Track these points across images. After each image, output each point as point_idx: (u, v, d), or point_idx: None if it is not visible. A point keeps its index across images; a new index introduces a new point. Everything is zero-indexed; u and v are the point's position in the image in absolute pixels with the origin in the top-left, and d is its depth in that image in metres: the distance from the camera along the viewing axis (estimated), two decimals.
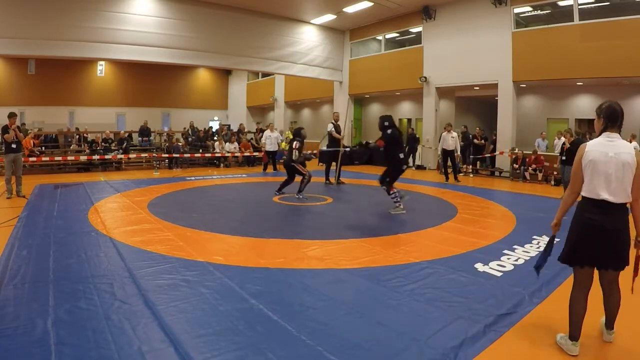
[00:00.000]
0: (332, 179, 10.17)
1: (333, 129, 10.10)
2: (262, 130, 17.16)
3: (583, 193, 2.47)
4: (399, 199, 6.64)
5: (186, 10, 13.27)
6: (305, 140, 8.16)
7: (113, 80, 21.39)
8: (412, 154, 15.37)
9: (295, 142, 7.88)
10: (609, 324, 2.65)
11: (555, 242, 2.78)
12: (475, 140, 13.56)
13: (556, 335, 2.66)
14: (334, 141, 10.15)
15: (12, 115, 7.75)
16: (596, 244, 2.40)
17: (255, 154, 15.21)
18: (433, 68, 14.49)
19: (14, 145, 7.80)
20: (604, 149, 2.42)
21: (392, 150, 6.59)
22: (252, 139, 16.70)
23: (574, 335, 2.51)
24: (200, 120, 19.91)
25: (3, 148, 8.44)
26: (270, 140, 13.11)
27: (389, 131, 6.60)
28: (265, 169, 13.33)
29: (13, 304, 3.04)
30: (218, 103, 25.74)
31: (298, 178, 7.92)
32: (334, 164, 10.27)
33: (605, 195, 2.36)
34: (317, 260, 4.20)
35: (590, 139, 11.38)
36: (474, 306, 3.11)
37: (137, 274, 3.66)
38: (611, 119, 2.49)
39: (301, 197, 7.78)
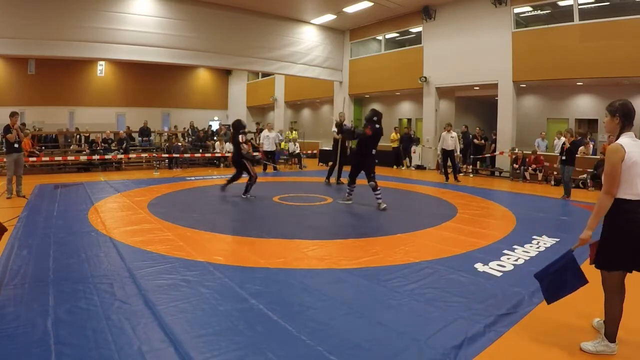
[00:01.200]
0: (333, 179, 10.18)
1: (335, 130, 10.10)
2: (262, 131, 17.18)
3: (622, 195, 2.39)
4: (380, 196, 7.06)
5: (186, 10, 13.27)
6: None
7: (113, 80, 21.40)
8: (406, 154, 15.39)
9: (241, 136, 7.85)
10: (613, 336, 2.56)
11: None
12: (475, 140, 13.56)
13: (582, 344, 2.56)
14: (336, 142, 10.16)
15: (13, 115, 7.74)
16: None
17: (255, 154, 15.18)
18: (433, 68, 14.50)
19: (16, 145, 7.84)
20: (638, 149, 2.40)
21: (372, 144, 7.04)
22: (252, 139, 16.69)
23: (614, 336, 2.50)
24: (200, 120, 19.95)
25: (4, 148, 8.44)
26: (268, 140, 13.10)
27: (377, 125, 7.00)
28: (265, 168, 13.33)
29: (13, 304, 3.03)
30: (218, 103, 25.75)
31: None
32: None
33: (637, 196, 2.38)
34: (317, 260, 4.20)
35: (591, 139, 11.35)
36: (474, 306, 3.11)
37: (137, 274, 3.66)
38: (628, 117, 2.47)
39: (248, 196, 7.80)
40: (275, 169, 13.43)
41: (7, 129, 7.72)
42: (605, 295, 2.55)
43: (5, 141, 7.79)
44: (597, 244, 2.55)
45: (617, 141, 2.46)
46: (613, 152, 2.41)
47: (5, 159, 8.09)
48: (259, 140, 15.76)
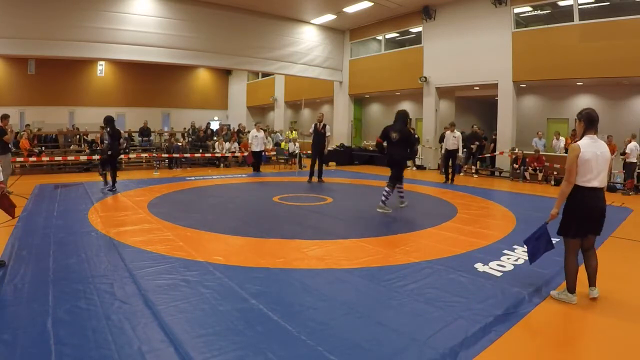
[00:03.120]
0: (314, 178, 10.47)
1: (312, 129, 10.52)
2: (262, 130, 17.13)
3: (578, 183, 3.13)
4: (385, 199, 6.76)
5: (186, 10, 13.27)
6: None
7: (113, 80, 21.39)
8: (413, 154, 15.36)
9: (107, 131, 8.32)
10: (592, 282, 3.29)
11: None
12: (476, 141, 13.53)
13: (551, 292, 3.34)
14: (315, 141, 10.43)
15: (5, 117, 7.95)
16: (592, 218, 3.17)
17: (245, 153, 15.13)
18: (433, 68, 14.50)
19: (10, 146, 8.19)
20: (593, 149, 3.10)
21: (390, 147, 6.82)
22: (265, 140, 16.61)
23: (572, 288, 3.23)
24: (200, 120, 19.92)
25: None
26: (257, 141, 12.75)
27: (392, 131, 6.83)
28: (257, 169, 12.94)
29: (13, 304, 3.04)
30: (218, 103, 25.75)
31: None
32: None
33: (595, 184, 3.12)
34: (317, 260, 4.20)
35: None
36: (474, 306, 3.11)
37: (137, 274, 3.66)
38: (590, 123, 3.16)
39: (110, 190, 8.28)
40: (258, 169, 12.97)
41: (3, 131, 7.84)
42: (565, 255, 3.28)
43: (1, 142, 7.91)
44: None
45: (578, 142, 3.16)
46: (571, 150, 3.14)
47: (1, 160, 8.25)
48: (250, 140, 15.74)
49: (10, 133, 7.94)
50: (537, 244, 3.43)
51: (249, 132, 17.74)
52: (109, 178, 8.54)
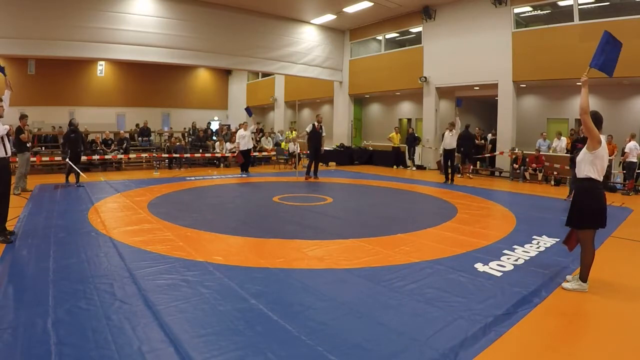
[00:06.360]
0: (312, 178, 10.99)
1: (309, 129, 11.00)
2: (262, 131, 17.15)
3: (596, 178, 3.40)
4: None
5: (186, 10, 13.27)
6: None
7: (113, 80, 21.40)
8: (411, 155, 15.36)
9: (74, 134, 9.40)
10: (585, 277, 3.46)
11: None
12: (475, 140, 13.52)
13: (563, 284, 3.52)
14: (313, 141, 10.83)
15: (23, 117, 8.20)
16: (606, 209, 3.43)
17: (255, 154, 15.17)
18: (433, 68, 14.50)
19: (28, 144, 8.60)
20: (605, 147, 3.44)
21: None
22: (252, 139, 16.65)
23: (586, 278, 3.45)
24: (200, 120, 19.97)
25: (13, 148, 8.77)
26: (244, 140, 12.58)
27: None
28: (245, 169, 12.72)
29: (13, 304, 3.04)
30: (218, 103, 25.76)
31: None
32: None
33: (601, 178, 3.44)
34: (317, 260, 4.20)
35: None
36: (474, 306, 3.11)
37: (137, 274, 3.66)
38: (599, 123, 3.51)
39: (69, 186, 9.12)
40: (245, 170, 12.71)
41: (20, 130, 8.07)
42: (582, 247, 3.48)
43: (18, 141, 8.14)
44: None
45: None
46: (599, 136, 3.44)
47: (17, 159, 8.55)
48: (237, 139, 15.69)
49: (27, 133, 8.30)
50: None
51: (253, 132, 17.78)
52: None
